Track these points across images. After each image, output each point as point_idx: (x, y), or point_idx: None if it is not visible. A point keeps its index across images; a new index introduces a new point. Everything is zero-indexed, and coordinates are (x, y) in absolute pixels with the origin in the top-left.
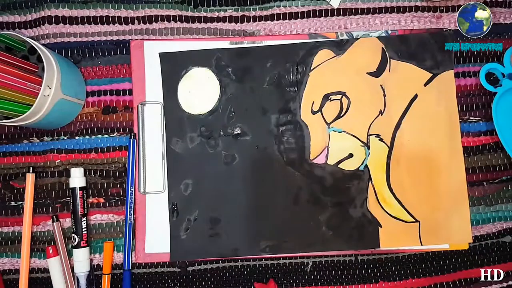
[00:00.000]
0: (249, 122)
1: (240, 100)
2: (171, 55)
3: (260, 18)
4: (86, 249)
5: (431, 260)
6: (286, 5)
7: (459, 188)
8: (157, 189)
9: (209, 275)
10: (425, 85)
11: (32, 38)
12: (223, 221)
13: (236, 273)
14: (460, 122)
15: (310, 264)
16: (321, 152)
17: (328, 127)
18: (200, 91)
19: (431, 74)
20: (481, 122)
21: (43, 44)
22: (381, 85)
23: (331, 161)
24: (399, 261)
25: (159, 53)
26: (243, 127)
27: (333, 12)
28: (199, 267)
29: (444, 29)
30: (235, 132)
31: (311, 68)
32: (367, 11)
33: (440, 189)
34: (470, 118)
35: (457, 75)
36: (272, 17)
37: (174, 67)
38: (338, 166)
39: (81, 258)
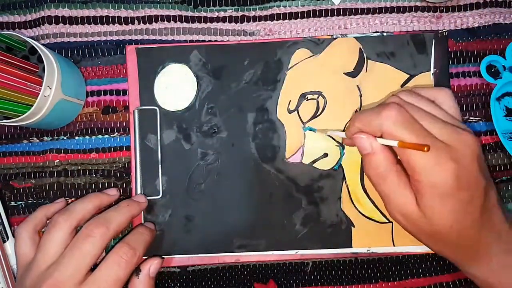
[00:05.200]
0: (226, 119)
1: (217, 98)
2: (148, 50)
3: (260, 18)
4: (13, 242)
5: (431, 260)
6: (286, 5)
7: None
8: (154, 194)
9: (208, 275)
10: (401, 86)
11: (32, 38)
12: (197, 218)
13: (236, 273)
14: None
15: (310, 264)
16: (296, 151)
17: (304, 127)
18: (177, 88)
19: (408, 75)
20: (481, 122)
21: (43, 44)
22: (357, 86)
23: (306, 160)
24: (399, 261)
25: (135, 48)
26: (219, 124)
27: (333, 12)
28: (199, 267)
29: (440, 31)
30: (212, 130)
31: (289, 67)
32: (367, 11)
33: None
34: (470, 118)
35: (456, 75)
36: (272, 17)
37: (150, 63)
38: (313, 165)
39: (10, 252)
